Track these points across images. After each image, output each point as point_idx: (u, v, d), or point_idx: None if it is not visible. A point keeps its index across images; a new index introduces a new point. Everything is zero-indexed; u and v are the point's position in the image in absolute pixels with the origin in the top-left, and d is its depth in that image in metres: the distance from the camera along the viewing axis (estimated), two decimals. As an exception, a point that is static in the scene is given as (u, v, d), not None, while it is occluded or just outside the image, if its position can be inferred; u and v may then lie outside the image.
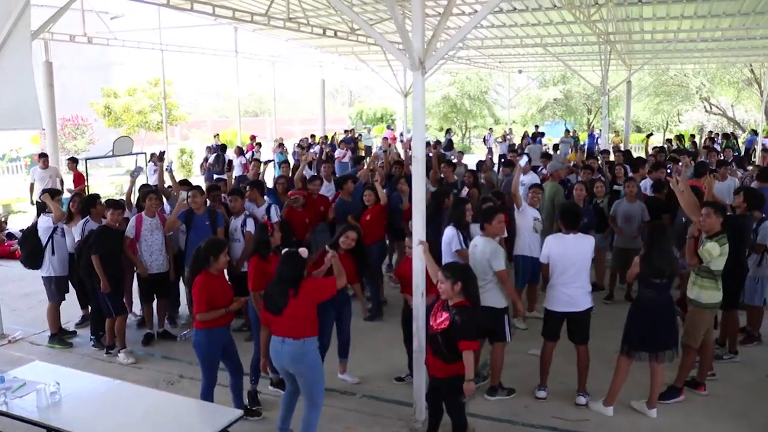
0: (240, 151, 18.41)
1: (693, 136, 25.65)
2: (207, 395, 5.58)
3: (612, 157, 15.43)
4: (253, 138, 21.55)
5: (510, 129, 31.45)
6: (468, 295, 4.88)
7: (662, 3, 16.28)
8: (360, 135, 28.41)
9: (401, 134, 26.39)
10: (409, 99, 23.47)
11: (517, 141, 26.33)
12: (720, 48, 23.53)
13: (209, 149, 18.84)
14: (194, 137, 39.12)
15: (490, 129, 34.73)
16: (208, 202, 8.31)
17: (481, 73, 37.33)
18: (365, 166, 11.42)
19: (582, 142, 28.15)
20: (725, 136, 25.56)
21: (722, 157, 13.83)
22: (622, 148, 20.74)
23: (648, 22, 18.99)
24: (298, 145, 20.66)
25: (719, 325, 7.37)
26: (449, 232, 6.83)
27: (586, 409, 6.06)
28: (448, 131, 29.53)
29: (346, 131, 28.17)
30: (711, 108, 37.84)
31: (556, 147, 21.72)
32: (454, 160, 13.46)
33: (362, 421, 5.92)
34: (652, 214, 8.85)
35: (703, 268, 6.00)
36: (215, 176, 15.24)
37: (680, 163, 12.13)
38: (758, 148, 22.04)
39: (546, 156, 14.98)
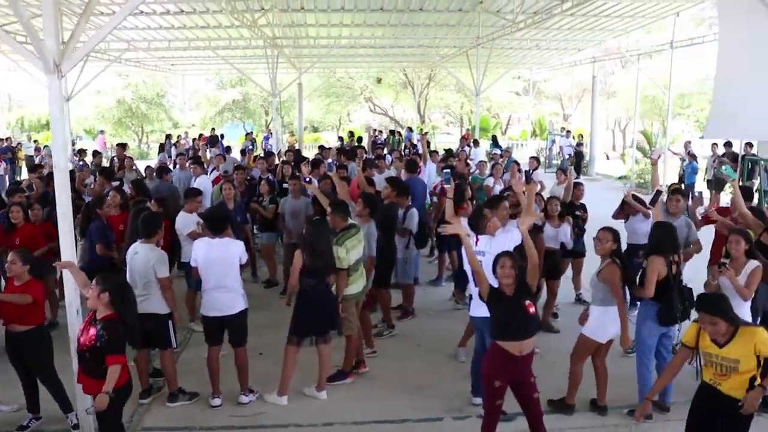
0: None
1: (351, 134, 27.46)
2: None
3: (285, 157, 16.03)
4: None
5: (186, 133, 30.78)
6: (115, 307, 4.68)
7: (323, 11, 17.42)
8: (20, 144, 25.68)
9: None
10: (72, 103, 21.79)
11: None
12: (377, 54, 25.90)
13: None
14: None
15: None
16: None
17: (156, 76, 36.01)
18: None
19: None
20: (391, 132, 28.17)
21: (384, 152, 15.37)
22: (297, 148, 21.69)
23: (312, 28, 20.13)
24: None
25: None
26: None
27: (261, 402, 6.25)
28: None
29: (1, 140, 25.20)
30: (375, 108, 41.46)
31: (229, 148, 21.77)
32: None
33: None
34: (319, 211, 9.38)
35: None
36: None
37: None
38: (419, 142, 24.69)
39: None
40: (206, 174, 11.82)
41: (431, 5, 16.91)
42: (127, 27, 18.25)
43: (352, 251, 6.44)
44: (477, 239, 5.78)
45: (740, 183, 11.86)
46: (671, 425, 5.69)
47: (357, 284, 6.59)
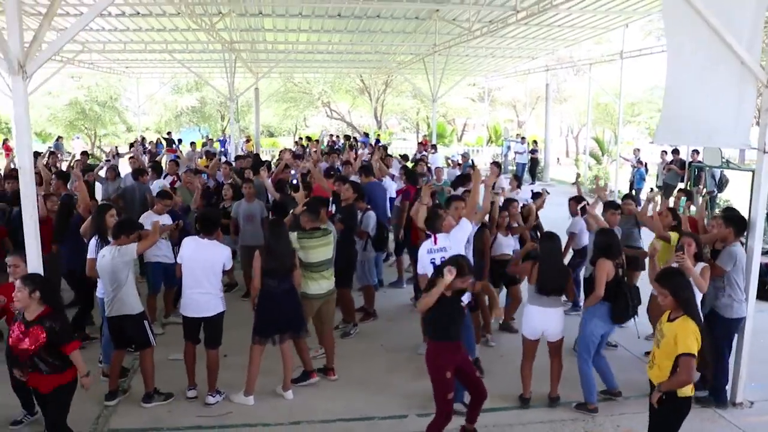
0: None
1: (309, 139, 27.45)
2: None
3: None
4: None
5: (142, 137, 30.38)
6: (48, 301, 4.72)
7: (281, 16, 17.45)
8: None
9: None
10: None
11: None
12: (335, 60, 26.04)
13: None
14: None
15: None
16: None
17: (110, 79, 35.30)
18: None
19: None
20: (346, 137, 28.31)
21: (344, 158, 15.45)
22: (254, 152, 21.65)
23: (270, 33, 20.13)
24: None
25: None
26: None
27: (228, 402, 6.30)
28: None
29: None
30: (332, 113, 41.54)
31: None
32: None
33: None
34: (277, 212, 9.42)
35: (301, 263, 6.59)
36: None
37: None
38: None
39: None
40: (161, 178, 11.78)
41: (388, 12, 17.11)
42: (82, 28, 17.97)
43: (311, 251, 6.56)
44: (435, 238, 6.12)
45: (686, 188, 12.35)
46: (626, 418, 5.97)
47: (318, 285, 6.69)
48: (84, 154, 16.10)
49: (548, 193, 9.76)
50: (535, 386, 6.35)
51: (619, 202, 8.42)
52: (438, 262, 5.88)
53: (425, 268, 6.08)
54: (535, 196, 9.23)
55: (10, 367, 5.27)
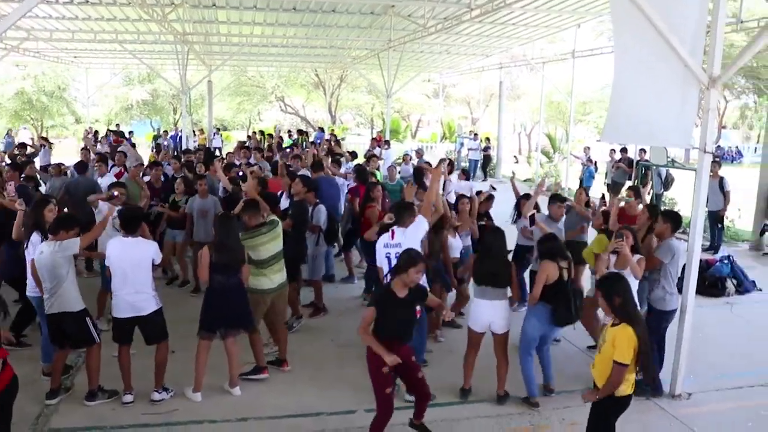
0: None
1: (262, 133, 27.18)
2: None
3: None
4: None
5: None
6: None
7: (235, 8, 17.25)
8: None
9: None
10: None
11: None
12: (289, 54, 25.87)
13: None
14: None
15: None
16: None
17: (57, 68, 34.37)
18: None
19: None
20: (299, 132, 28.12)
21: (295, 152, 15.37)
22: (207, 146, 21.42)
23: (224, 26, 19.91)
24: None
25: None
26: None
27: (174, 399, 6.21)
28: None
29: None
30: (286, 108, 41.27)
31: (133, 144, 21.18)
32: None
33: None
34: (228, 207, 9.33)
35: (250, 259, 6.57)
36: None
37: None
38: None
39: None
40: (108, 172, 11.53)
41: (343, 7, 17.06)
42: (27, 15, 17.46)
43: (261, 248, 6.54)
44: (393, 233, 6.27)
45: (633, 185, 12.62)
46: (570, 412, 6.10)
47: (270, 279, 6.66)
48: (22, 145, 15.69)
49: (494, 189, 9.94)
50: (483, 381, 6.42)
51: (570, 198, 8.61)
52: (393, 257, 6.03)
53: (381, 262, 6.35)
54: (526, 196, 9.09)
55: None
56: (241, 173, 11.20)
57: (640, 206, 8.27)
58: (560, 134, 33.76)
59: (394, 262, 5.90)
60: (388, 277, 5.71)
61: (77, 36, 20.85)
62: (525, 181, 25.02)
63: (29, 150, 15.35)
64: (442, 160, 8.39)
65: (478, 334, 6.32)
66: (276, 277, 6.72)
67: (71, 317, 5.91)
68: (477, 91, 39.35)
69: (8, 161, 12.86)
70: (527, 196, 8.92)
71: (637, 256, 6.27)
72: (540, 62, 24.52)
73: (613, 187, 17.55)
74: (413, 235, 6.23)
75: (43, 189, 11.30)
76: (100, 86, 34.71)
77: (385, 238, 6.38)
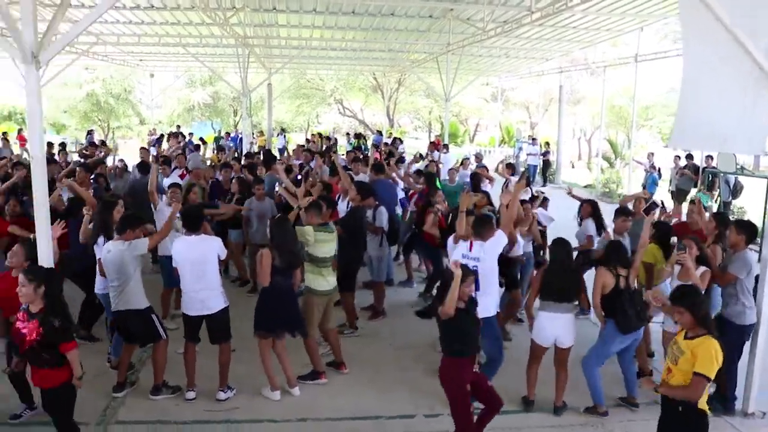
0: None
1: (321, 135, 27.40)
2: None
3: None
4: None
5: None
6: (50, 297, 4.66)
7: (295, 12, 17.44)
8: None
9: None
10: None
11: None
12: (348, 57, 26.03)
13: None
14: None
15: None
16: None
17: (124, 71, 35.43)
18: None
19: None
20: (356, 135, 28.27)
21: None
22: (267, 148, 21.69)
23: (284, 29, 20.14)
24: None
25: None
26: None
27: (235, 397, 6.28)
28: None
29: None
30: (345, 110, 41.53)
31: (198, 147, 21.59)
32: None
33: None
34: (283, 209, 9.41)
35: (306, 257, 6.62)
36: None
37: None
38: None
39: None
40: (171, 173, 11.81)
41: (402, 11, 17.06)
42: (97, 20, 18.01)
43: (323, 245, 6.59)
44: (471, 245, 6.17)
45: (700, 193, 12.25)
46: (636, 426, 5.93)
47: (327, 281, 6.69)
48: (93, 144, 16.15)
49: (543, 194, 9.81)
50: (544, 390, 6.30)
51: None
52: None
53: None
54: (588, 201, 8.94)
55: (10, 354, 5.28)
56: (299, 176, 11.34)
57: (707, 215, 7.96)
58: (621, 139, 33.03)
59: None
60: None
61: (143, 40, 21.42)
62: (585, 187, 24.61)
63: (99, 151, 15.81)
64: (501, 162, 8.31)
65: (543, 348, 6.17)
66: (331, 278, 6.77)
67: (137, 315, 6.04)
68: (536, 95, 38.88)
69: (80, 160, 13.28)
70: (590, 201, 8.75)
71: (702, 269, 6.01)
72: (601, 66, 24.04)
73: (678, 195, 17.09)
74: (492, 250, 6.10)
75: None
76: (163, 89, 35.62)
77: (463, 248, 6.25)
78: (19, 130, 28.38)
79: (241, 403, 6.21)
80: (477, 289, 5.83)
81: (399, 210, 10.69)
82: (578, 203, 9.00)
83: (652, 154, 19.85)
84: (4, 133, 25.40)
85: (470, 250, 6.16)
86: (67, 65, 21.86)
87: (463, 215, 6.62)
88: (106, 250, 6.08)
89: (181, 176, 11.60)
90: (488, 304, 6.08)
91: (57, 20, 5.53)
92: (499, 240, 6.14)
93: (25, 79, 5.36)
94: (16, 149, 22.52)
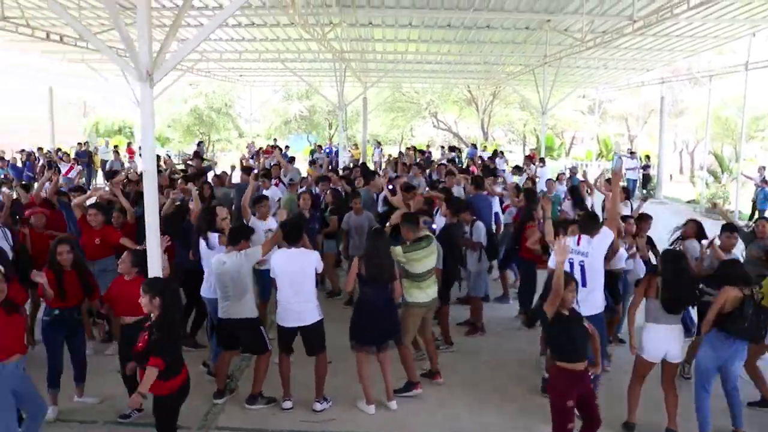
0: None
1: (415, 148, 27.41)
2: None
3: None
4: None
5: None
6: (164, 309, 4.77)
7: (391, 27, 17.60)
8: (96, 148, 26.76)
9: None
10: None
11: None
12: (443, 70, 26.02)
13: None
14: None
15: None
16: None
17: (224, 86, 36.87)
18: None
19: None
20: (451, 148, 28.21)
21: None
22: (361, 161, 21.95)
23: (379, 44, 20.36)
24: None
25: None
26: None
27: (331, 409, 6.34)
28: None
29: (79, 144, 26.30)
30: (439, 123, 41.57)
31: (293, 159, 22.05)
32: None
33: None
34: (382, 221, 9.48)
35: (404, 272, 6.60)
36: None
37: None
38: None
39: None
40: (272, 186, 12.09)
41: (498, 23, 16.90)
42: (204, 39, 18.77)
43: (417, 263, 6.54)
44: (579, 239, 6.26)
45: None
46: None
47: (425, 293, 6.66)
48: (196, 155, 16.82)
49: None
50: (640, 413, 6.02)
51: (741, 223, 7.91)
52: (576, 263, 6.11)
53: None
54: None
55: (126, 357, 5.52)
56: (391, 186, 11.38)
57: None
58: (728, 152, 31.49)
59: (577, 267, 6.08)
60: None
61: (244, 56, 22.21)
62: (688, 202, 23.59)
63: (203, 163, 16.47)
64: (601, 176, 8.08)
65: (651, 364, 5.86)
66: (430, 291, 6.73)
67: (247, 325, 6.19)
68: (635, 106, 37.68)
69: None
70: (695, 221, 8.27)
71: None
72: (707, 75, 23.00)
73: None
74: (599, 245, 6.17)
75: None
76: (262, 103, 36.76)
77: (571, 242, 6.12)
78: (128, 144, 30.02)
79: (337, 415, 6.26)
80: (584, 285, 5.95)
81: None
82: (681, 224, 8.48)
83: (764, 167, 18.78)
84: (116, 147, 26.92)
85: (578, 244, 6.21)
86: (174, 81, 22.88)
87: (549, 222, 6.74)
88: (221, 262, 6.18)
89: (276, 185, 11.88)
90: (596, 299, 6.16)
91: (169, 40, 5.80)
92: (605, 236, 6.19)
93: (139, 97, 5.65)
94: (125, 161, 23.81)
